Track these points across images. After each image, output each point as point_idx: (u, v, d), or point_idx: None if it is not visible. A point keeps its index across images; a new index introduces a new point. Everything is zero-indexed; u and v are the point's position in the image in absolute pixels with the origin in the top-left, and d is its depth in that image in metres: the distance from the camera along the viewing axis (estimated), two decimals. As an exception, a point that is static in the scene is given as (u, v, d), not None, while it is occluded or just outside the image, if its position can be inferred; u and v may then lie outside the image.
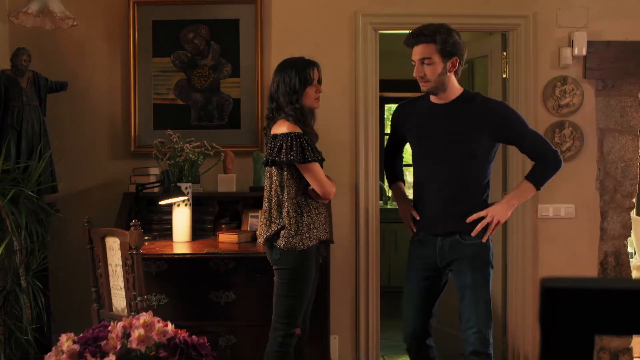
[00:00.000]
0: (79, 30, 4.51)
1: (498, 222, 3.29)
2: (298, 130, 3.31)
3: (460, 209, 3.30)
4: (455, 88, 3.31)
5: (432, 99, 3.37)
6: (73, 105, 4.67)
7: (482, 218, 3.28)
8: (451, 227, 3.31)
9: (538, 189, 3.34)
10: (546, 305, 0.76)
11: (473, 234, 3.28)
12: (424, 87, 3.31)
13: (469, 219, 3.27)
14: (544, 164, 3.30)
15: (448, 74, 3.25)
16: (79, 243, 3.99)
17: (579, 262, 4.73)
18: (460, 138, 3.27)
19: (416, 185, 3.51)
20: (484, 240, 3.30)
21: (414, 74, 3.29)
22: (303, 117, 3.38)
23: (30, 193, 3.99)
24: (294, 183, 3.35)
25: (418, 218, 3.41)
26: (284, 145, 3.29)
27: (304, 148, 3.29)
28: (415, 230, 3.44)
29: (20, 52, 4.27)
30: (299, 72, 3.38)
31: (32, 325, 4.01)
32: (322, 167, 3.41)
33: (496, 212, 3.28)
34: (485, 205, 3.33)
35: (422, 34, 3.23)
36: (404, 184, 3.75)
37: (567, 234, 4.72)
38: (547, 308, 0.76)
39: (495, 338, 4.87)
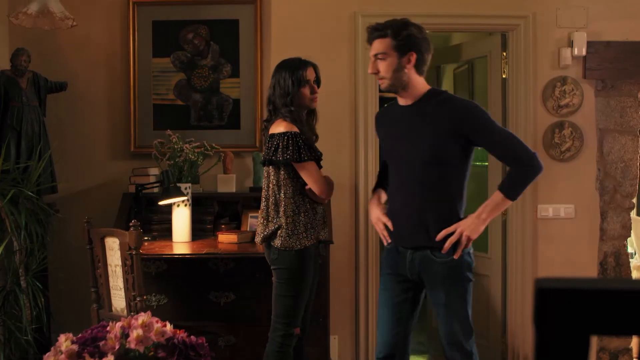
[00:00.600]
0: (79, 31, 4.51)
1: (468, 239, 2.97)
2: (295, 129, 3.32)
3: (428, 220, 3.01)
4: (418, 87, 3.05)
5: (399, 100, 3.14)
6: (73, 106, 4.67)
7: (453, 234, 2.98)
8: (420, 242, 3.04)
9: (512, 199, 3.00)
10: (541, 306, 0.76)
11: (443, 251, 2.98)
12: (381, 84, 3.10)
13: (438, 237, 2.98)
14: (517, 171, 2.97)
15: (406, 70, 2.99)
16: (78, 243, 3.99)
17: (579, 263, 4.73)
18: (423, 142, 3.00)
19: (389, 194, 3.25)
20: (455, 257, 2.99)
21: (368, 71, 3.09)
22: (299, 117, 3.38)
23: (29, 193, 4.00)
24: (290, 182, 3.35)
25: (392, 228, 3.14)
26: (280, 144, 3.30)
27: (300, 147, 3.30)
28: (389, 240, 3.17)
29: (20, 53, 4.27)
30: (292, 73, 3.38)
31: (32, 325, 4.01)
32: (320, 166, 3.41)
33: (465, 227, 2.96)
34: (457, 218, 3.01)
35: (377, 29, 3.04)
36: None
37: (567, 234, 4.72)
38: (541, 309, 0.76)
39: (495, 338, 4.88)
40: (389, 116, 3.21)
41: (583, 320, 0.76)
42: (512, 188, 2.97)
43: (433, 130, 2.97)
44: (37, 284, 4.06)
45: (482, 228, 2.99)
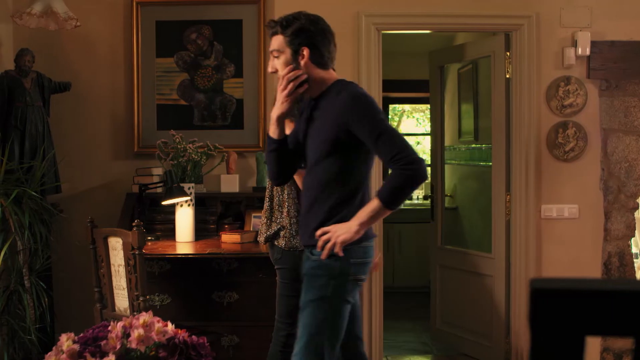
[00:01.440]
0: (83, 31, 4.52)
1: (337, 242, 2.68)
2: None
3: (313, 219, 2.81)
4: (322, 81, 2.83)
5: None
6: (76, 106, 4.68)
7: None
8: (305, 240, 2.86)
9: (388, 207, 2.68)
10: (535, 306, 0.76)
11: (318, 248, 2.74)
12: None
13: (317, 233, 2.74)
14: (394, 175, 2.67)
15: (302, 66, 2.79)
16: (81, 243, 4.00)
17: (583, 263, 4.71)
18: (317, 137, 2.82)
19: None
20: (322, 258, 2.71)
21: (268, 69, 2.91)
22: None
23: (33, 193, 4.01)
24: (294, 183, 3.35)
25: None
26: None
27: None
28: None
29: (24, 53, 4.28)
30: None
31: (36, 325, 4.02)
32: None
33: (338, 229, 2.69)
34: (345, 218, 2.73)
35: (270, 26, 2.85)
36: None
37: (571, 234, 4.71)
38: (536, 309, 0.76)
39: (498, 339, 4.87)
40: (301, 113, 3.02)
41: (578, 321, 0.76)
42: (388, 194, 2.66)
43: (324, 124, 2.78)
44: (41, 283, 4.07)
45: (356, 234, 2.68)
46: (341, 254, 2.70)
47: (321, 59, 2.82)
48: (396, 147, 2.66)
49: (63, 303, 4.52)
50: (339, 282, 2.74)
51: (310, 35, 2.80)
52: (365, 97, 2.78)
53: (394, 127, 2.71)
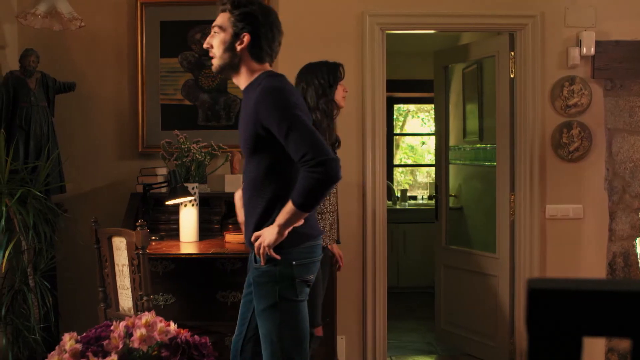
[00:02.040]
0: (87, 32, 4.53)
1: (264, 247, 2.61)
2: None
3: (250, 222, 2.73)
4: (252, 72, 2.71)
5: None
6: (81, 106, 4.69)
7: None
8: (247, 242, 2.78)
9: (300, 210, 2.54)
10: (533, 306, 0.75)
11: (256, 254, 2.69)
12: (213, 64, 2.75)
13: (253, 238, 2.68)
14: (302, 177, 2.52)
15: (237, 52, 2.67)
16: (86, 243, 4.00)
17: (587, 263, 4.71)
18: (241, 134, 2.72)
19: None
20: (262, 264, 2.66)
21: (204, 45, 2.77)
22: (330, 112, 3.54)
23: (37, 193, 4.02)
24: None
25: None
26: None
27: None
28: None
29: (28, 53, 4.29)
30: (330, 71, 3.59)
31: (40, 324, 4.03)
32: None
33: (264, 234, 2.63)
34: (271, 220, 2.65)
35: (221, 2, 2.73)
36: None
37: (575, 234, 4.70)
38: (534, 310, 0.76)
39: (503, 339, 4.86)
40: None
41: (575, 322, 0.76)
42: (298, 196, 2.53)
43: (246, 120, 2.66)
44: (45, 283, 4.08)
45: (279, 236, 2.60)
46: (278, 257, 2.63)
47: (259, 51, 2.69)
48: (305, 146, 2.50)
49: (67, 303, 4.54)
50: (283, 286, 2.67)
51: (257, 23, 2.68)
52: (279, 90, 2.61)
53: (308, 123, 2.55)
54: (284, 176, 2.64)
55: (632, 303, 0.75)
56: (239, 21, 2.67)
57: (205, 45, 2.76)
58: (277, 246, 2.63)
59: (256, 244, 2.64)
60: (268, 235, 2.61)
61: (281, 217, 2.59)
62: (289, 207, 2.56)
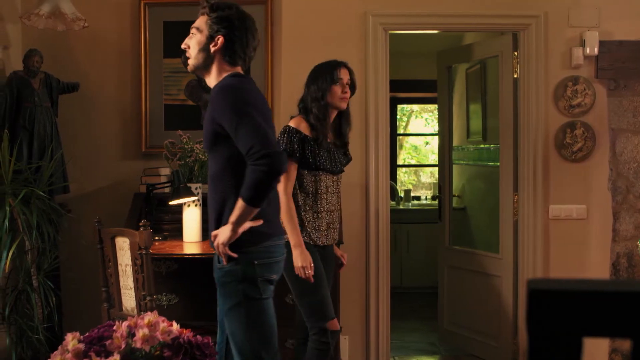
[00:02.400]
0: (90, 32, 4.53)
1: (220, 245, 2.68)
2: (293, 125, 3.48)
3: (210, 216, 2.81)
4: (222, 73, 2.80)
5: None
6: (84, 106, 4.70)
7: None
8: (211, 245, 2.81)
9: (249, 204, 2.59)
10: (533, 307, 0.75)
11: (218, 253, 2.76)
12: (188, 63, 2.86)
13: (212, 238, 2.75)
14: (249, 171, 2.59)
15: (211, 53, 2.77)
16: (89, 243, 4.01)
17: (591, 264, 4.70)
18: (203, 130, 2.81)
19: None
20: (225, 264, 2.72)
21: (182, 45, 2.88)
22: (323, 115, 3.51)
23: (41, 193, 4.02)
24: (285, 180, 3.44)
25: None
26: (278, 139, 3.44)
27: (288, 142, 3.43)
28: None
29: (32, 54, 4.30)
30: (328, 71, 3.54)
31: (44, 324, 4.04)
32: (298, 165, 3.46)
33: (219, 232, 2.70)
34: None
35: (202, 5, 2.83)
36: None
37: (579, 235, 4.69)
38: (534, 310, 0.76)
39: (506, 339, 4.86)
40: None
41: (575, 322, 0.76)
42: (246, 191, 2.59)
43: (207, 117, 2.76)
44: (49, 283, 4.09)
45: (232, 233, 2.65)
46: (234, 255, 2.68)
47: (232, 54, 2.78)
48: (251, 140, 2.56)
49: (71, 302, 4.54)
50: (246, 285, 2.72)
51: (232, 27, 2.76)
52: (234, 88, 2.69)
53: (258, 120, 2.60)
54: (238, 172, 2.67)
55: (632, 303, 0.75)
56: (215, 24, 2.77)
57: (183, 46, 2.86)
58: (236, 245, 2.67)
59: (215, 243, 2.70)
60: (222, 233, 2.67)
61: (233, 215, 2.64)
62: (239, 203, 2.61)
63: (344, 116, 3.61)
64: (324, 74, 3.53)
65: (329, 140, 3.54)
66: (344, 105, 3.55)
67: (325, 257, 3.56)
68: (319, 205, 3.50)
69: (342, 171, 3.63)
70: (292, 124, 3.48)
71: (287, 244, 3.37)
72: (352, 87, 3.59)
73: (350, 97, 3.59)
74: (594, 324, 0.76)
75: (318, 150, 3.45)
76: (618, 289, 0.75)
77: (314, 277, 3.40)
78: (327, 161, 3.48)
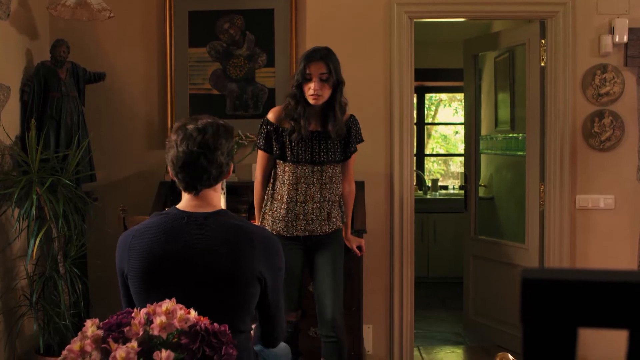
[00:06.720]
0: (116, 22, 4.57)
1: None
2: (268, 115, 3.56)
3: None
4: None
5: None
6: (111, 96, 4.74)
7: None
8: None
9: None
10: (527, 297, 0.75)
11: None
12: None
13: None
14: None
15: None
16: (115, 231, 4.05)
17: (618, 255, 4.63)
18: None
19: None
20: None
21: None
22: (295, 105, 3.49)
23: (67, 182, 4.07)
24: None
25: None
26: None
27: (261, 133, 3.54)
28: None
29: (59, 44, 4.34)
30: (301, 64, 3.48)
31: (70, 310, 4.10)
32: (268, 154, 3.53)
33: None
34: None
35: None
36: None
37: (606, 225, 4.63)
38: (528, 300, 0.75)
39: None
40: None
41: (570, 312, 0.75)
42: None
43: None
44: (75, 270, 4.14)
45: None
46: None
47: None
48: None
49: (97, 290, 4.60)
50: None
51: None
52: None
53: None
54: None
55: (628, 293, 0.74)
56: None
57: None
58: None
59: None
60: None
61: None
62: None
63: (330, 109, 3.44)
64: (299, 66, 3.45)
65: (310, 130, 3.44)
66: (313, 102, 3.40)
67: (311, 248, 3.54)
68: (279, 194, 3.49)
69: (331, 162, 3.49)
70: (270, 112, 3.54)
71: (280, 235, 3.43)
72: (336, 76, 3.39)
73: (337, 87, 3.42)
74: (589, 315, 0.75)
75: (289, 141, 3.43)
76: (613, 279, 0.74)
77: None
78: (297, 152, 3.43)
